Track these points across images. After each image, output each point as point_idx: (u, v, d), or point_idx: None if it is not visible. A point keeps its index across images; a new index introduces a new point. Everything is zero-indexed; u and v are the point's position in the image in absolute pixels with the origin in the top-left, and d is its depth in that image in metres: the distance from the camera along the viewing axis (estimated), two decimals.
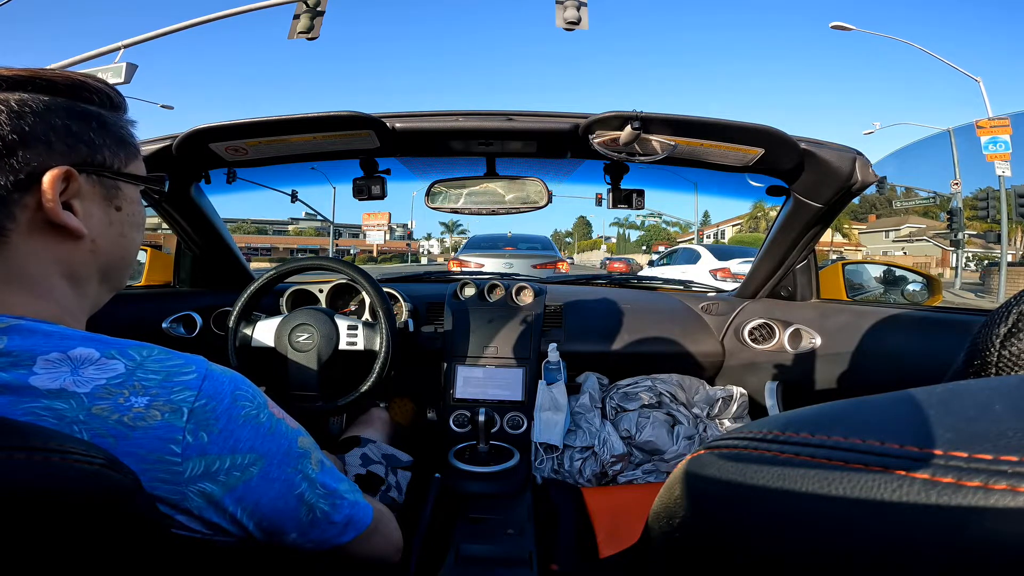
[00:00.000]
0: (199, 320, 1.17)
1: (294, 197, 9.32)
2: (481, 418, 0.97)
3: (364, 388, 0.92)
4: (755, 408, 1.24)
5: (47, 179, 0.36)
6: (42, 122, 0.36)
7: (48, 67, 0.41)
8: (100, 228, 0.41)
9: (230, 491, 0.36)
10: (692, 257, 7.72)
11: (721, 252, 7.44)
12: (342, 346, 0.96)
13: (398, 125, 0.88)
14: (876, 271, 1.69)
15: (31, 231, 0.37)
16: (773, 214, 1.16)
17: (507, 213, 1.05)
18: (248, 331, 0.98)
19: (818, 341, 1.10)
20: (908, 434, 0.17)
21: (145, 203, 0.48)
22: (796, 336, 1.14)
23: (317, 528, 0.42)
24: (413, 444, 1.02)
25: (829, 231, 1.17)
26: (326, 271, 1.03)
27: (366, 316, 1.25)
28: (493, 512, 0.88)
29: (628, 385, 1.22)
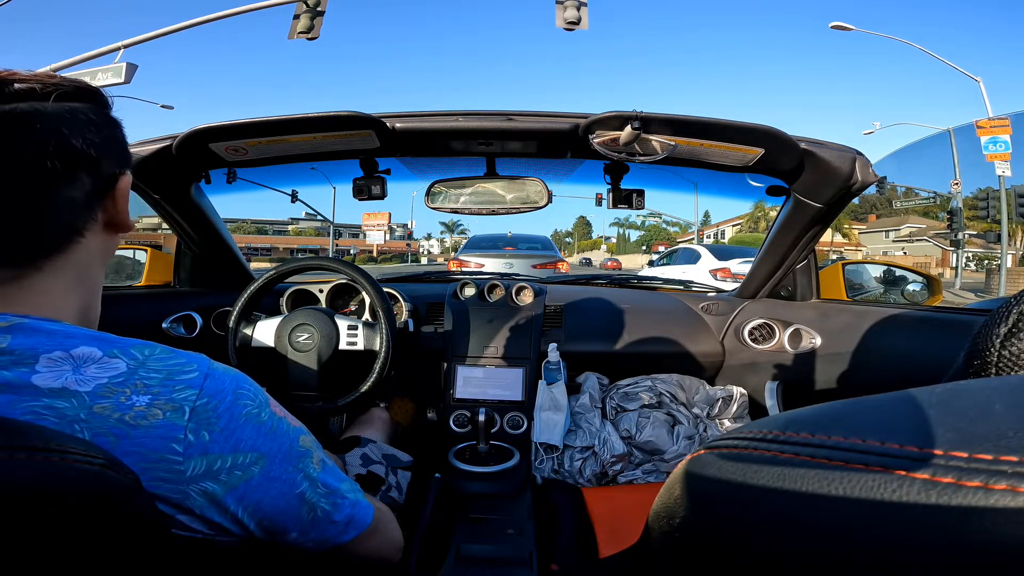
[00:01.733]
0: (199, 320, 1.17)
1: (294, 197, 9.31)
2: (481, 418, 0.97)
3: (364, 388, 0.92)
4: (755, 408, 1.24)
5: (122, 185, 0.41)
6: (108, 131, 0.40)
7: (48, 67, 0.41)
8: (121, 220, 0.44)
9: (232, 490, 0.36)
10: (692, 257, 7.71)
11: (721, 252, 7.43)
12: (342, 346, 0.96)
13: (398, 125, 0.88)
14: (876, 271, 1.69)
15: (100, 231, 0.41)
16: (773, 214, 1.16)
17: (507, 213, 1.05)
18: (248, 331, 0.98)
19: (818, 341, 1.10)
20: (908, 434, 0.17)
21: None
22: (796, 336, 1.14)
23: (318, 527, 0.42)
24: (413, 444, 1.02)
25: (829, 231, 1.17)
26: (326, 271, 1.03)
27: (366, 316, 1.25)
28: (493, 512, 0.88)
29: (628, 385, 1.22)
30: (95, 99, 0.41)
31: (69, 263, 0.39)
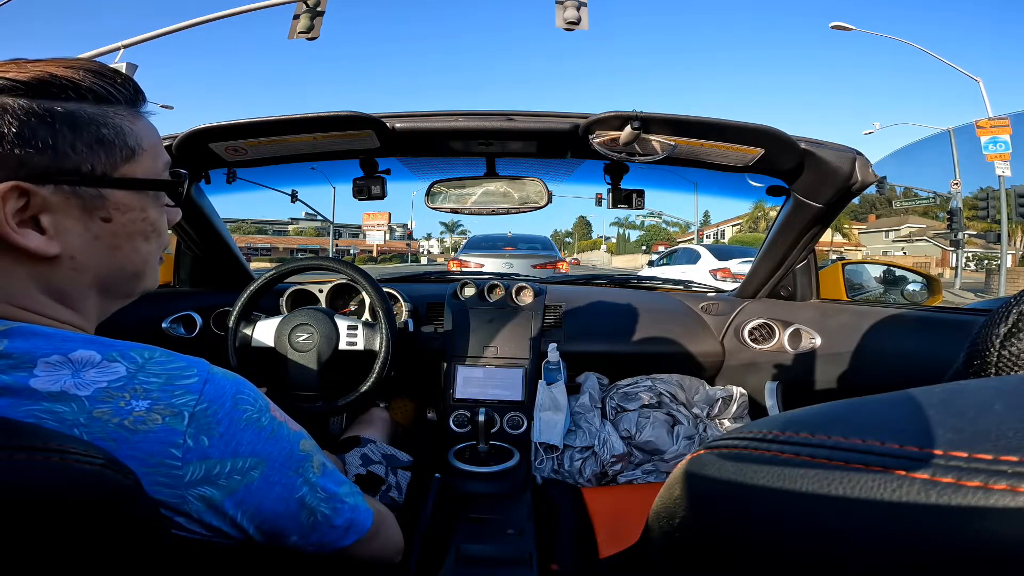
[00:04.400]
0: (199, 320, 1.17)
1: (294, 197, 9.31)
2: (481, 418, 0.97)
3: (364, 388, 0.92)
4: (755, 408, 1.24)
5: None
6: None
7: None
8: (81, 244, 0.36)
9: (231, 495, 0.36)
10: (692, 257, 7.72)
11: (721, 252, 7.43)
12: (342, 346, 0.96)
13: (398, 125, 0.88)
14: (876, 271, 1.69)
15: (7, 253, 0.34)
16: (773, 214, 1.16)
17: (507, 213, 1.05)
18: (248, 331, 0.98)
19: (818, 341, 1.10)
20: (908, 434, 0.17)
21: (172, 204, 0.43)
22: (796, 336, 1.14)
23: (318, 532, 0.42)
24: (413, 444, 1.02)
25: (829, 231, 1.17)
26: (326, 271, 1.03)
27: (366, 316, 1.25)
28: (493, 512, 0.88)
29: (628, 385, 1.22)
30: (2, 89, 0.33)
31: None
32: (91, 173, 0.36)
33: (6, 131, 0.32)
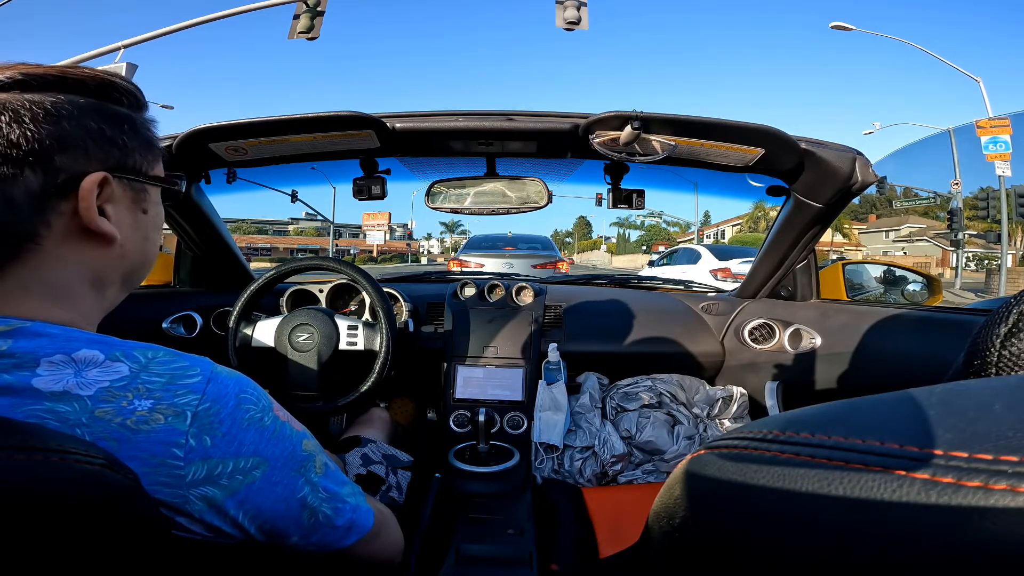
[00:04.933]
0: (199, 320, 1.17)
1: (294, 197, 9.31)
2: (481, 418, 0.97)
3: (364, 388, 0.92)
4: (755, 408, 1.24)
5: (85, 185, 0.36)
6: (78, 125, 0.36)
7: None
8: (129, 232, 0.40)
9: (232, 495, 0.36)
10: (692, 257, 7.72)
11: (721, 252, 7.43)
12: (342, 346, 0.96)
13: (398, 125, 0.88)
14: (876, 271, 1.69)
15: (65, 238, 0.36)
16: (773, 214, 1.16)
17: (507, 213, 1.05)
18: (248, 331, 0.98)
19: (818, 341, 1.10)
20: (908, 434, 0.17)
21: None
22: (796, 336, 1.14)
23: (319, 532, 0.42)
24: (413, 444, 1.02)
25: (829, 231, 1.17)
26: (326, 271, 1.03)
27: (366, 316, 1.25)
28: (493, 512, 0.88)
29: (628, 385, 1.22)
30: (79, 89, 0.37)
31: (28, 271, 0.35)
32: (142, 170, 0.41)
33: (95, 127, 0.37)
